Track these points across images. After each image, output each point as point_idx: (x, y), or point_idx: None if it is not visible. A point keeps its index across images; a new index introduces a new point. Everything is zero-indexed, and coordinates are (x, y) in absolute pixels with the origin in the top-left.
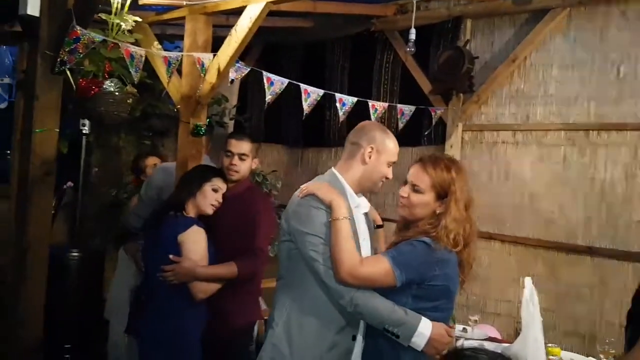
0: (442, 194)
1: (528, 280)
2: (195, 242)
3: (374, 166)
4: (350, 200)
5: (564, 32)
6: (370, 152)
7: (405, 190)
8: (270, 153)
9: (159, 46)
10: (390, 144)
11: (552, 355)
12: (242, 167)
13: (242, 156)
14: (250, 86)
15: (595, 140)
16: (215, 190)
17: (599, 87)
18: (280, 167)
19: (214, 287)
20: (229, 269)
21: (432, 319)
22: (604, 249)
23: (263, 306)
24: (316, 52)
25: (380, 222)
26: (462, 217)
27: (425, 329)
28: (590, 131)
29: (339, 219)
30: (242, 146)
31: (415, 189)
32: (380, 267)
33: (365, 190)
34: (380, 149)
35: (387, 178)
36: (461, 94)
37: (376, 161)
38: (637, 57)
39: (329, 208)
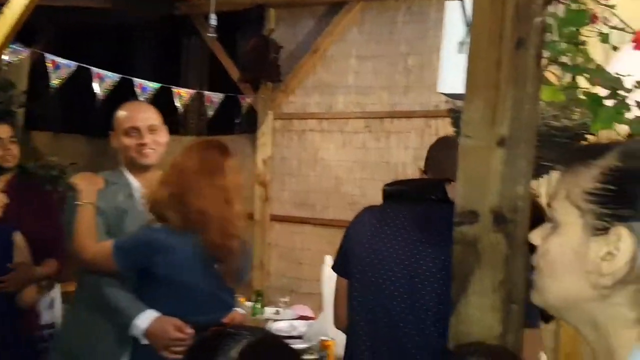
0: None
1: (328, 259)
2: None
3: (118, 144)
4: (129, 189)
5: (359, 25)
6: (111, 136)
7: None
8: (71, 144)
9: None
10: (119, 114)
11: None
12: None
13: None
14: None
15: (388, 127)
16: None
17: (391, 77)
18: (82, 160)
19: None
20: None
21: (165, 311)
22: None
23: None
24: (117, 35)
25: None
26: (184, 198)
27: (142, 322)
28: (384, 119)
29: (79, 203)
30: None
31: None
32: (104, 251)
33: (137, 167)
34: (115, 127)
35: (141, 145)
36: (270, 83)
37: (116, 139)
38: (422, 50)
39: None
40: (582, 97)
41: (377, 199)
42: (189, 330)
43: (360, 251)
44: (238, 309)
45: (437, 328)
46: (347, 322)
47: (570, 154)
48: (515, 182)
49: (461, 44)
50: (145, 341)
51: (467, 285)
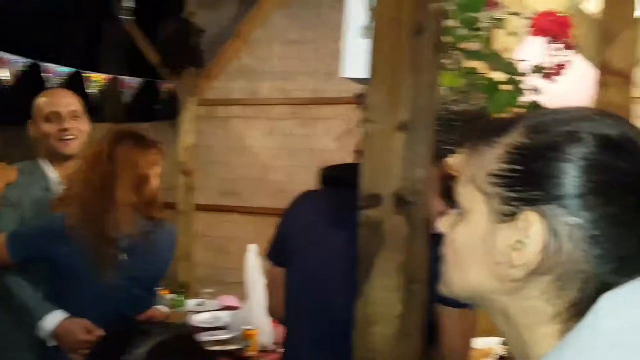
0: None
1: (251, 248)
2: None
3: (37, 132)
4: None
5: (284, 10)
6: (29, 124)
7: None
8: None
9: None
10: (38, 101)
11: None
12: None
13: None
14: None
15: (314, 114)
16: None
17: (316, 63)
18: None
19: None
20: None
21: (71, 309)
22: None
23: None
24: (28, 18)
25: None
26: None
27: (49, 324)
28: (310, 105)
29: None
30: None
31: None
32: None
33: (57, 157)
34: (34, 114)
35: (63, 131)
36: (192, 68)
37: (35, 127)
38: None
39: None
40: (480, 82)
41: (304, 186)
42: (99, 332)
43: (299, 238)
44: (159, 307)
45: None
46: (285, 311)
47: (475, 132)
48: (415, 165)
49: (364, 28)
50: (53, 343)
51: (372, 268)
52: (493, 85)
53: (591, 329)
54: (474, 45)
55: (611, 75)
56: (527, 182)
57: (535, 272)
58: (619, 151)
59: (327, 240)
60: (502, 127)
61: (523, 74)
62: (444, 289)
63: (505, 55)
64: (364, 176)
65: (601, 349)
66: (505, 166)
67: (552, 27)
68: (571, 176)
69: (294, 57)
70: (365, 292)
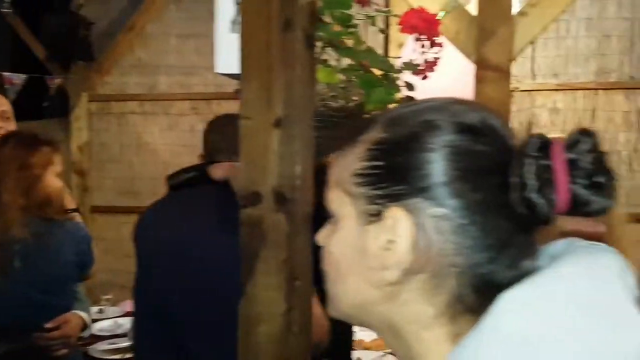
0: None
1: None
2: None
3: None
4: None
5: (176, 3)
6: None
7: None
8: None
9: None
10: None
11: None
12: None
13: None
14: None
15: (216, 109)
16: None
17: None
18: None
19: None
20: None
21: None
22: None
23: None
24: None
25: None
26: None
27: None
28: (212, 100)
29: None
30: None
31: None
32: None
33: None
34: None
35: None
36: (82, 62)
37: None
38: None
39: None
40: (356, 79)
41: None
42: None
43: (146, 252)
44: (77, 311)
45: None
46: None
47: (342, 134)
48: (293, 161)
49: (233, 23)
50: None
51: (254, 266)
52: (368, 81)
53: (492, 331)
54: (346, 42)
55: (489, 70)
56: (389, 178)
57: (410, 272)
58: (478, 135)
59: (166, 248)
60: (364, 125)
61: (399, 71)
62: (330, 310)
63: (397, 52)
64: (243, 174)
65: (505, 352)
66: (367, 163)
67: (420, 24)
68: (432, 166)
69: (191, 51)
70: (248, 291)
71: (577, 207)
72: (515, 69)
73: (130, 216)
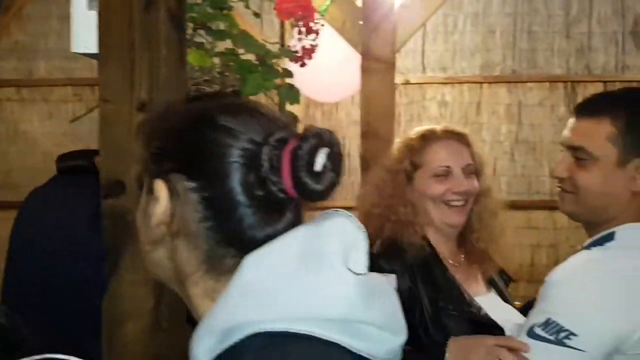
0: None
1: None
2: None
3: None
4: None
5: None
6: None
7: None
8: None
9: None
10: None
11: None
12: None
13: None
14: None
15: None
16: None
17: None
18: None
19: None
20: None
21: None
22: None
23: None
24: None
25: None
26: None
27: None
28: (96, 86)
29: None
30: None
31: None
32: None
33: None
34: None
35: None
36: None
37: None
38: None
39: None
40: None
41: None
42: None
43: (22, 238)
44: None
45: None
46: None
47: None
48: None
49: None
50: None
51: (119, 261)
52: (244, 66)
53: (234, 286)
54: (219, 25)
55: (373, 62)
56: (161, 158)
57: (174, 234)
58: (232, 130)
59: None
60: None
61: (276, 56)
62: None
63: (250, 36)
64: (103, 162)
65: (241, 300)
66: (153, 147)
67: (296, 10)
68: (190, 150)
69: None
70: (113, 287)
71: (302, 192)
72: (407, 62)
73: (8, 212)
